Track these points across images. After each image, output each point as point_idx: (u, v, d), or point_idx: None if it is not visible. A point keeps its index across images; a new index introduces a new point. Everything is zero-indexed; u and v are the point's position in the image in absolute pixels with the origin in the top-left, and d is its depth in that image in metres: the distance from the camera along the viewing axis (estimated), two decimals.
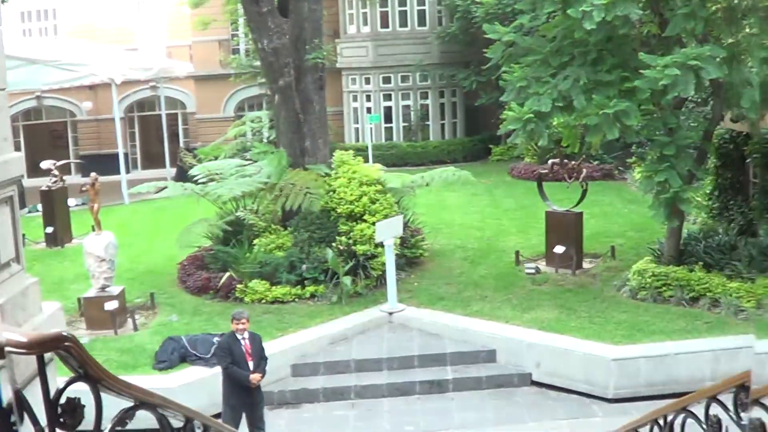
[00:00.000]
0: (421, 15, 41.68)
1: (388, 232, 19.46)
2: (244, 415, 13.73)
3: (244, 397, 13.62)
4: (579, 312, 18.68)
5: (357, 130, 42.22)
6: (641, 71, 17.99)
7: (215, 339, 16.74)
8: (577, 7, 18.36)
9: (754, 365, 15.43)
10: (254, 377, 13.51)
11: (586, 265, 22.15)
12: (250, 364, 13.58)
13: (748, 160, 22.35)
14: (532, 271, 21.74)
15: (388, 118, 41.66)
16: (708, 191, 23.25)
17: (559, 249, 21.69)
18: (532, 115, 19.15)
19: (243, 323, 13.65)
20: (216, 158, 29.22)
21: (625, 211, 28.57)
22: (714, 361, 16.04)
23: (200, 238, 22.43)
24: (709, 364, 16.03)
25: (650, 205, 19.56)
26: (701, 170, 20.19)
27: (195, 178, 23.36)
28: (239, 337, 13.63)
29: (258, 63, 29.46)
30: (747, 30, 18.79)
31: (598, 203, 28.43)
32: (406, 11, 41.48)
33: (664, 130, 19.14)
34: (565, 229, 22.10)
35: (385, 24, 41.48)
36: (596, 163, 33.35)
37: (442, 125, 42.60)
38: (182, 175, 32.85)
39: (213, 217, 23.05)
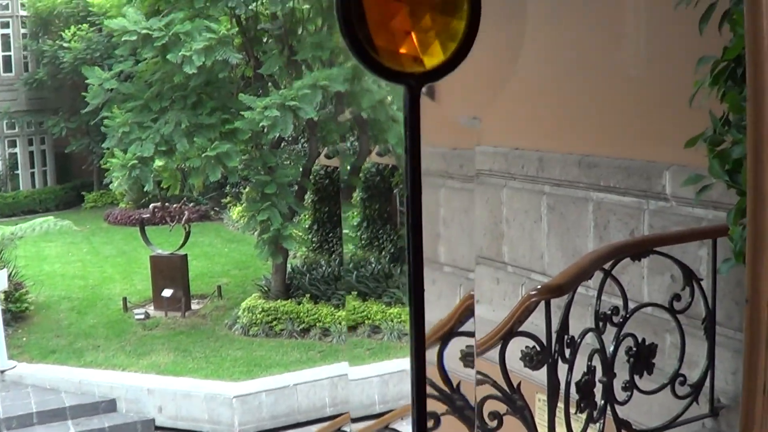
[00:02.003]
0: (7, 60, 40.08)
1: None
2: None
3: None
4: (194, 353, 18.86)
5: None
6: (242, 113, 18.58)
7: None
8: (176, 52, 18.63)
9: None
10: None
11: (194, 306, 22.34)
12: None
13: (395, 191, 23.56)
14: (142, 316, 21.60)
15: None
16: (307, 226, 24.14)
17: (167, 292, 21.71)
18: (136, 161, 19.18)
19: None
20: None
21: (225, 250, 29.09)
22: (332, 387, 16.83)
23: None
24: (327, 391, 16.78)
25: (255, 244, 20.16)
26: (301, 206, 21.07)
27: None
28: None
29: None
30: None
31: (199, 244, 28.69)
32: None
33: (264, 170, 19.82)
34: (171, 272, 22.16)
35: None
36: (192, 205, 33.63)
37: (32, 174, 41.14)
38: None
39: None
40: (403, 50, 1.64)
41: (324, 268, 21.42)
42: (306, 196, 22.65)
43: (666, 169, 5.50)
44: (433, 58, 1.65)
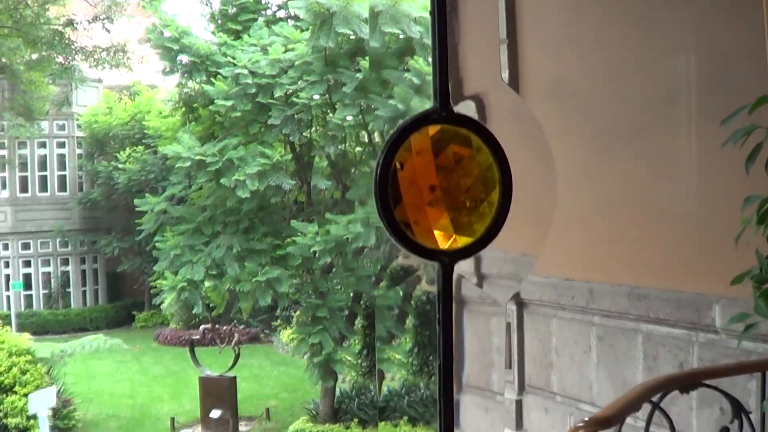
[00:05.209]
0: (62, 180, 40.97)
1: (41, 403, 18.79)
2: None
3: None
4: None
5: None
6: (293, 238, 18.84)
7: None
8: (229, 176, 19.00)
9: None
10: None
11: (242, 428, 22.33)
12: None
13: None
14: None
15: (28, 285, 40.15)
16: (407, 349, 23.81)
17: (215, 413, 21.71)
18: (185, 284, 19.41)
19: None
20: None
21: (275, 373, 29.08)
22: None
23: None
24: None
25: (305, 367, 20.18)
26: (400, 330, 21.09)
27: None
28: None
29: None
30: None
31: (248, 366, 28.72)
32: (46, 176, 40.65)
33: (315, 294, 19.96)
34: (219, 394, 22.18)
35: (24, 189, 40.38)
36: (242, 327, 33.73)
37: (84, 292, 41.59)
38: None
39: None
40: (437, 230, 1.78)
41: (373, 393, 21.34)
42: (356, 321, 22.62)
43: (715, 302, 5.55)
44: (466, 237, 1.79)
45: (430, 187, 1.78)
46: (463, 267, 1.84)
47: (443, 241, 1.78)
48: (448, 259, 1.75)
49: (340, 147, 19.88)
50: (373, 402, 20.75)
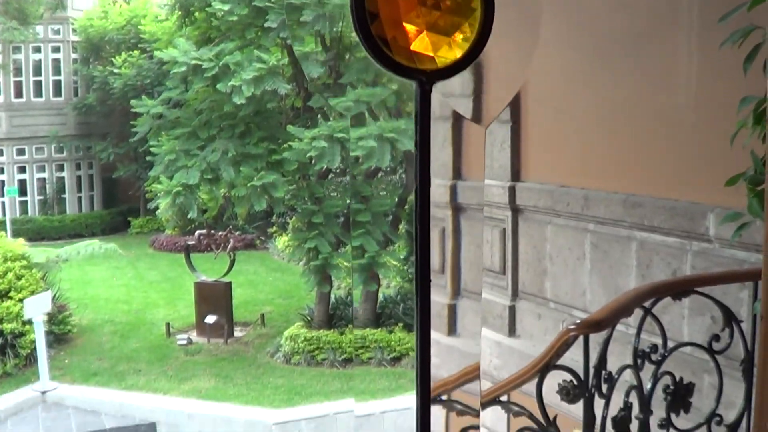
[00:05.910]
0: (57, 85, 40.56)
1: (36, 308, 18.89)
2: None
3: None
4: (236, 379, 19.00)
5: None
6: (289, 143, 18.76)
7: None
8: (225, 81, 18.86)
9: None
10: None
11: (237, 333, 22.50)
12: None
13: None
14: (185, 341, 21.78)
15: (23, 192, 40.05)
16: (403, 256, 23.81)
17: (210, 319, 21.88)
18: (180, 188, 19.37)
19: None
20: None
21: (270, 279, 29.22)
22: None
23: None
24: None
25: (302, 273, 20.29)
26: (396, 235, 21.16)
27: None
28: None
29: None
30: None
31: (244, 272, 28.85)
32: (41, 81, 40.20)
33: (311, 200, 19.96)
34: (214, 299, 22.33)
35: (18, 94, 40.00)
36: (238, 233, 33.77)
37: (79, 198, 41.50)
38: None
39: None
40: (415, 48, 1.73)
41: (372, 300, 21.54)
42: (400, 226, 22.60)
43: (710, 211, 5.53)
44: (445, 57, 1.74)
45: (408, 2, 1.72)
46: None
47: (422, 61, 1.73)
48: (426, 79, 1.71)
49: (335, 29, 19.51)
50: (373, 309, 20.94)
